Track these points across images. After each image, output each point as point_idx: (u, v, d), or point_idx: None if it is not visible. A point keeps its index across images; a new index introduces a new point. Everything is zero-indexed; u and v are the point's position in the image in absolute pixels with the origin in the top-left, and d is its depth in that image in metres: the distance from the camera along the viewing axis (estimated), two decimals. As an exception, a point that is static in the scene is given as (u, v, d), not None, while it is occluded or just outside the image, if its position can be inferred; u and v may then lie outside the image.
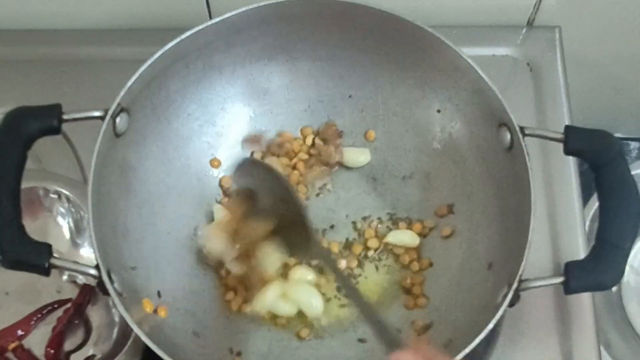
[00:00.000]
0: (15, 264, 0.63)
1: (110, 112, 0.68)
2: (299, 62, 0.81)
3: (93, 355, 0.77)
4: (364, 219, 0.82)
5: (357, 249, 0.80)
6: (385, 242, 0.81)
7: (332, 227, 0.82)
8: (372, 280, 0.80)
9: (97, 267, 0.63)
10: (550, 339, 0.79)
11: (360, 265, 0.80)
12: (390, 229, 0.81)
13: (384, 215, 0.82)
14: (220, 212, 0.79)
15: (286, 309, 0.75)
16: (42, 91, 0.91)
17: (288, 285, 0.75)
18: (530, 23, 0.97)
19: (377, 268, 0.80)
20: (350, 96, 0.84)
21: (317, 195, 0.84)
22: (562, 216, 0.85)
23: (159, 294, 0.72)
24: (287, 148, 0.83)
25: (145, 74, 0.71)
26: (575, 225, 0.85)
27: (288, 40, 0.80)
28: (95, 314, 0.80)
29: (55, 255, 0.63)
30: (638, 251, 1.10)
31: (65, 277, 0.81)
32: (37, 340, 0.78)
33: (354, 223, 0.82)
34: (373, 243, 0.81)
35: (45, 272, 0.63)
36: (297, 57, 0.81)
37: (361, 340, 0.76)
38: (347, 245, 0.81)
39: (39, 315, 0.79)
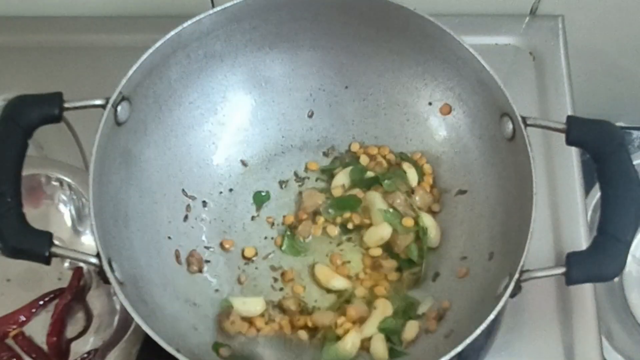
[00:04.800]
0: (16, 253, 0.63)
1: (111, 101, 0.68)
2: (301, 50, 0.81)
3: (95, 350, 0.77)
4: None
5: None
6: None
7: None
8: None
9: (97, 255, 0.63)
10: (552, 329, 0.79)
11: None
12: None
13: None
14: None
15: None
16: (43, 79, 0.91)
17: None
18: (533, 12, 0.97)
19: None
20: (351, 85, 0.83)
21: (317, 180, 0.84)
22: (564, 206, 0.85)
23: None
24: None
25: (147, 62, 0.71)
26: (577, 215, 0.85)
27: (289, 29, 0.79)
28: (96, 301, 0.80)
29: (56, 243, 0.63)
30: (640, 241, 1.10)
31: (66, 265, 0.81)
32: (39, 328, 0.78)
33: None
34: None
35: (46, 261, 0.63)
36: (298, 45, 0.80)
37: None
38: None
39: (41, 303, 0.79)
